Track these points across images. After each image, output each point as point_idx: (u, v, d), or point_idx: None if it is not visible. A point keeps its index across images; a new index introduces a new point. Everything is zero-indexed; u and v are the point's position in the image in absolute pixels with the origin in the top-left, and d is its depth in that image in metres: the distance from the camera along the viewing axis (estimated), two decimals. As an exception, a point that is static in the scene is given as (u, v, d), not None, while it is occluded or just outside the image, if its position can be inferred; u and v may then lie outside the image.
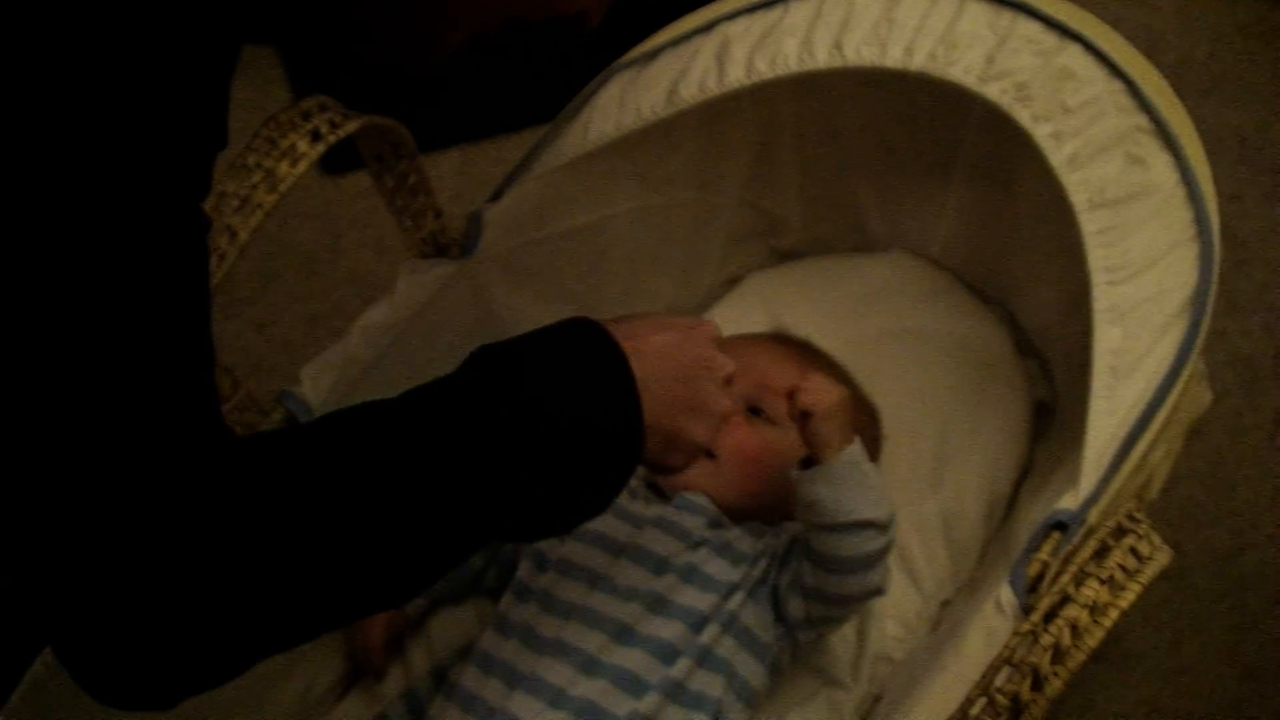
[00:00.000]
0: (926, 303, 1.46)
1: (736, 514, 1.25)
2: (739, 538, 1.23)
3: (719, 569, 1.19)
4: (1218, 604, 1.75)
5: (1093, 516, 1.02)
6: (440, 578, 0.82)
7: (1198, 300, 1.08)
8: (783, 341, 1.36)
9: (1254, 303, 2.02)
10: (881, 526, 1.11)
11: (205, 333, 0.70)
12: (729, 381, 0.95)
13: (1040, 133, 1.13)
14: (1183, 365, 1.07)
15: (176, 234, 0.65)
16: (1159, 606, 1.74)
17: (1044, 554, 1.01)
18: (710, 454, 1.24)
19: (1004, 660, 0.76)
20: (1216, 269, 1.10)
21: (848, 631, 1.28)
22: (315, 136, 0.98)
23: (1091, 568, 0.78)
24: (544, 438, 0.80)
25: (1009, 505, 1.36)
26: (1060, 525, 1.02)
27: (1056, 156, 1.12)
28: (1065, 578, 0.80)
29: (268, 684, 1.19)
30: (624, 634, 1.14)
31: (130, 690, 0.68)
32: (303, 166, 0.97)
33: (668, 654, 1.13)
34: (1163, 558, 0.79)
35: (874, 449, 1.36)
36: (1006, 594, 1.01)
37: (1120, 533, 0.80)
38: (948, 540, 1.32)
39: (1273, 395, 1.92)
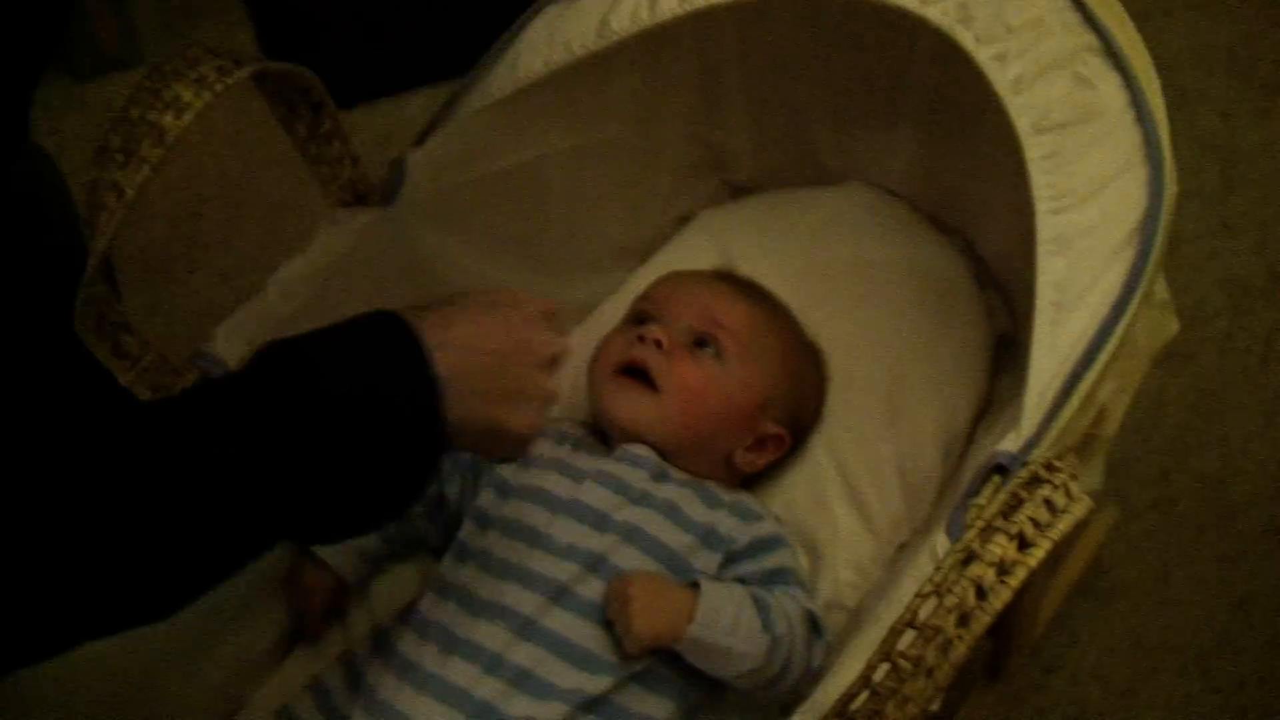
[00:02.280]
0: (882, 234, 1.41)
1: (682, 455, 1.21)
2: (688, 500, 1.18)
3: (663, 530, 1.15)
4: (1206, 533, 1.71)
5: (1036, 458, 0.97)
6: (224, 579, 0.79)
7: (1146, 226, 1.03)
8: (728, 278, 1.31)
9: (1245, 221, 1.96)
10: (760, 666, 1.07)
11: None
12: (554, 362, 0.93)
13: (984, 55, 1.08)
14: (1130, 296, 1.02)
15: None
16: (1146, 536, 1.70)
17: (983, 499, 0.97)
18: (654, 386, 1.19)
19: (906, 623, 0.72)
20: (1168, 192, 1.05)
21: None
22: (201, 84, 0.93)
23: (1000, 523, 0.74)
24: (331, 434, 0.78)
25: (967, 442, 1.31)
26: (1000, 469, 0.98)
27: (1001, 79, 1.07)
28: (970, 534, 0.75)
29: (201, 647, 1.16)
30: (562, 595, 1.10)
31: None
32: (188, 118, 0.92)
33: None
34: (1079, 509, 0.74)
35: (818, 396, 1.32)
36: (942, 542, 0.97)
37: (1035, 483, 0.75)
38: (903, 481, 1.28)
39: (1263, 316, 1.87)
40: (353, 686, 1.14)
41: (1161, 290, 1.17)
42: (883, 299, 1.37)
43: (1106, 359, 1.01)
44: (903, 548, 1.27)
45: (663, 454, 1.21)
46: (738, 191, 1.49)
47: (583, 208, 1.36)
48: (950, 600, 0.70)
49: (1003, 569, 0.71)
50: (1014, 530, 0.72)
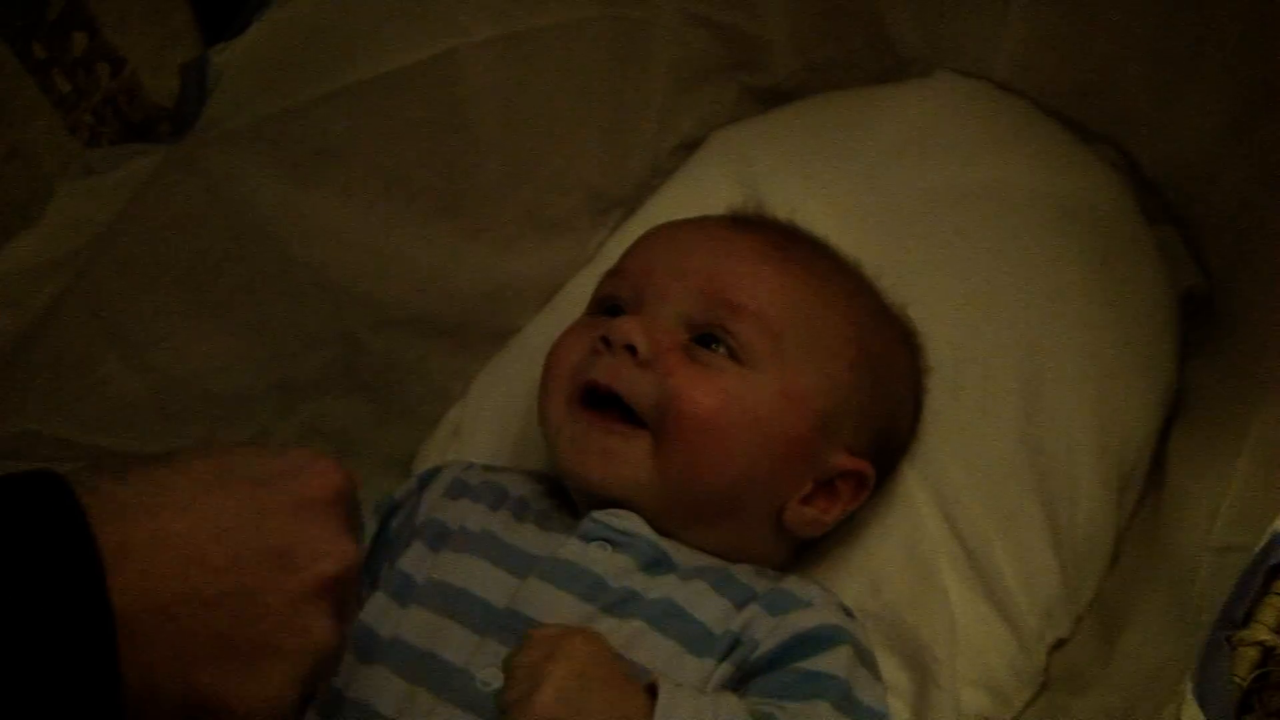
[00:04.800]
0: (994, 146, 0.94)
1: (693, 525, 0.76)
2: (700, 596, 0.73)
3: (660, 652, 0.70)
4: None
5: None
6: None
7: None
8: (749, 226, 0.84)
9: None
10: None
11: None
12: (331, 587, 0.55)
13: None
14: None
15: None
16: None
17: (1263, 630, 0.51)
18: (640, 423, 0.75)
19: None
20: None
21: (898, 714, 0.77)
22: None
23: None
24: None
25: (1152, 467, 0.85)
26: (1293, 565, 0.52)
27: None
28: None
29: None
30: None
31: None
32: None
33: None
34: None
35: (914, 399, 0.86)
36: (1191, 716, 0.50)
37: None
38: (1054, 536, 0.82)
39: None
40: None
41: None
42: (1002, 245, 0.90)
43: None
44: (1060, 648, 0.79)
45: (660, 526, 0.75)
46: (769, 100, 1.02)
47: (527, 134, 0.90)
48: None
49: None
50: None
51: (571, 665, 0.62)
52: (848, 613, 0.76)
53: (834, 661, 0.70)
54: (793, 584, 0.76)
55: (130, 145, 0.72)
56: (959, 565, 0.82)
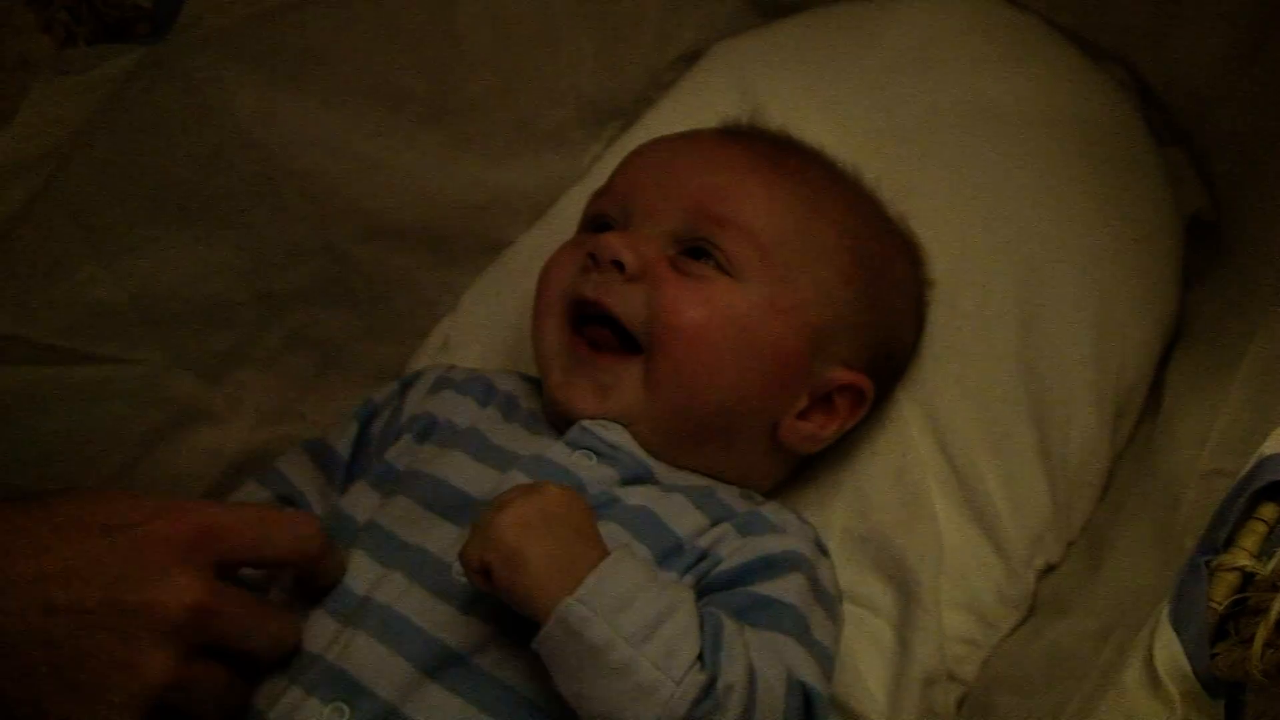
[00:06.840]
0: (1002, 63, 0.92)
1: (687, 449, 0.75)
2: (679, 510, 0.72)
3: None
4: None
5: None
6: None
7: None
8: (739, 138, 0.82)
9: None
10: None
11: None
12: (170, 624, 0.59)
13: None
14: None
15: None
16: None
17: (1243, 555, 0.50)
18: (627, 341, 0.74)
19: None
20: None
21: (881, 635, 0.76)
22: None
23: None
24: None
25: (1151, 394, 0.83)
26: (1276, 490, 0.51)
27: None
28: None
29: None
30: (444, 669, 0.64)
31: None
32: None
33: None
34: None
35: (916, 314, 0.84)
36: (1165, 644, 0.49)
37: None
38: (1046, 461, 0.81)
39: None
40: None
41: None
42: (1005, 164, 0.88)
43: None
44: (1049, 573, 0.79)
45: (650, 446, 0.75)
46: (771, 11, 1.00)
47: (521, 42, 0.88)
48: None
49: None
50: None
51: (541, 501, 0.62)
52: (821, 549, 0.75)
53: (788, 588, 0.69)
54: (770, 509, 0.75)
55: (107, 45, 0.70)
56: (948, 488, 0.81)
